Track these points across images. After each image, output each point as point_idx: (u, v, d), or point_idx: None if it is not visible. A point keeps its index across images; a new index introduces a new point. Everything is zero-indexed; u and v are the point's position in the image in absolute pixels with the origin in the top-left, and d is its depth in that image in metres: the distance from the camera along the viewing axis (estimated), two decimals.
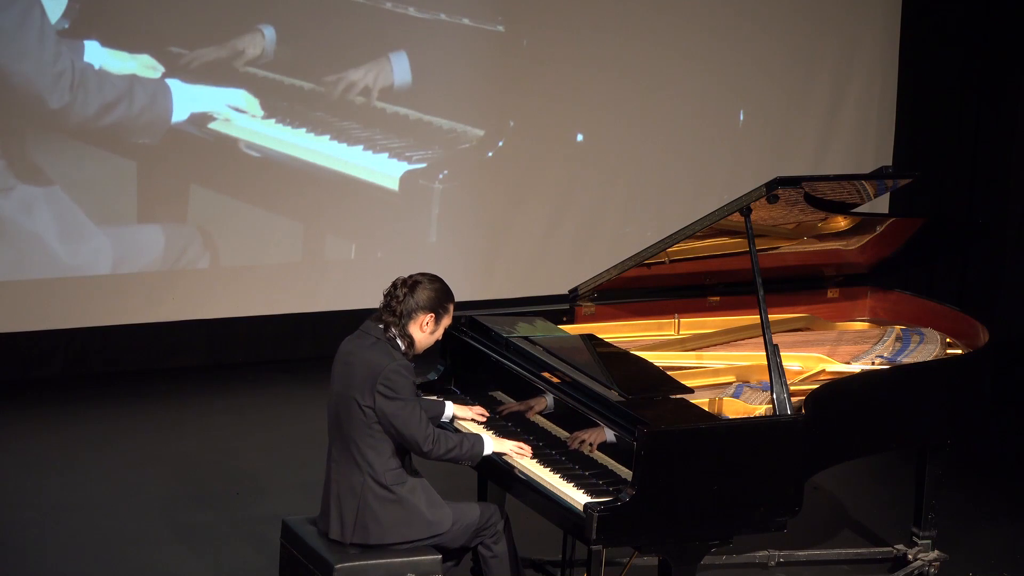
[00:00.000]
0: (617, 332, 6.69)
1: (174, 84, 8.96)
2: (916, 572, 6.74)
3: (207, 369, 9.33)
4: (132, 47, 8.85)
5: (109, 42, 8.80)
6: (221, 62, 9.07)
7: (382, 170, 9.52)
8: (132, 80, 8.85)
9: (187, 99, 9.02)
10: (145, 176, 9.02)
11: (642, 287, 6.78)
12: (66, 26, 8.68)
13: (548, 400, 5.89)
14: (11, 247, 8.78)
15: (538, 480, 5.67)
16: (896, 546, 6.87)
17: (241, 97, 9.15)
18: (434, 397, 6.21)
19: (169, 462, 7.94)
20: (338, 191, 9.46)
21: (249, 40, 9.11)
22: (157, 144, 8.96)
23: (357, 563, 5.57)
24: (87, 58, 8.74)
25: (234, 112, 9.15)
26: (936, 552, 6.75)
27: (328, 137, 9.36)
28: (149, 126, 8.95)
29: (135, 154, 8.97)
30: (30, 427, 8.40)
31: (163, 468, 7.85)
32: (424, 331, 5.70)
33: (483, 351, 6.27)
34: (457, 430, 6.00)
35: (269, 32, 9.16)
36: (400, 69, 9.43)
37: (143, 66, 8.88)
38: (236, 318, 9.40)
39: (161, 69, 8.92)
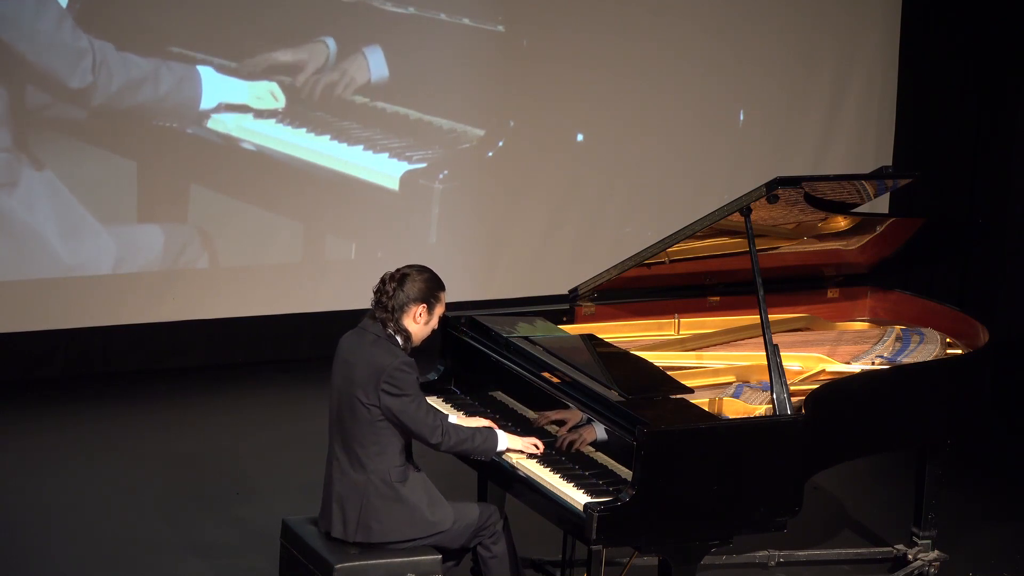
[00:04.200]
0: (617, 332, 6.68)
1: (172, 84, 8.97)
2: (916, 572, 6.73)
3: (207, 369, 9.33)
4: (130, 46, 8.86)
5: (108, 37, 8.79)
6: (221, 62, 9.06)
7: (382, 170, 9.51)
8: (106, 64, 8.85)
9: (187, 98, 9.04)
10: (145, 176, 9.02)
11: (642, 287, 6.77)
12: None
13: (599, 431, 5.68)
14: (11, 247, 8.78)
15: (538, 480, 5.66)
16: (896, 546, 6.87)
17: (241, 97, 9.15)
18: (484, 421, 5.93)
19: (169, 462, 7.93)
20: (338, 191, 9.45)
21: (249, 40, 9.11)
22: (157, 143, 8.97)
23: (357, 563, 5.57)
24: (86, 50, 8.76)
25: (234, 112, 9.14)
26: (936, 552, 6.75)
27: (328, 137, 9.35)
28: (173, 114, 8.97)
29: (135, 153, 8.97)
30: (30, 427, 8.40)
31: (163, 468, 7.85)
32: (419, 322, 5.68)
33: (483, 351, 6.26)
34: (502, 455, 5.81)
35: (269, 32, 9.15)
36: (400, 69, 9.43)
37: (138, 62, 8.89)
38: (236, 318, 9.39)
39: (159, 67, 8.91)
